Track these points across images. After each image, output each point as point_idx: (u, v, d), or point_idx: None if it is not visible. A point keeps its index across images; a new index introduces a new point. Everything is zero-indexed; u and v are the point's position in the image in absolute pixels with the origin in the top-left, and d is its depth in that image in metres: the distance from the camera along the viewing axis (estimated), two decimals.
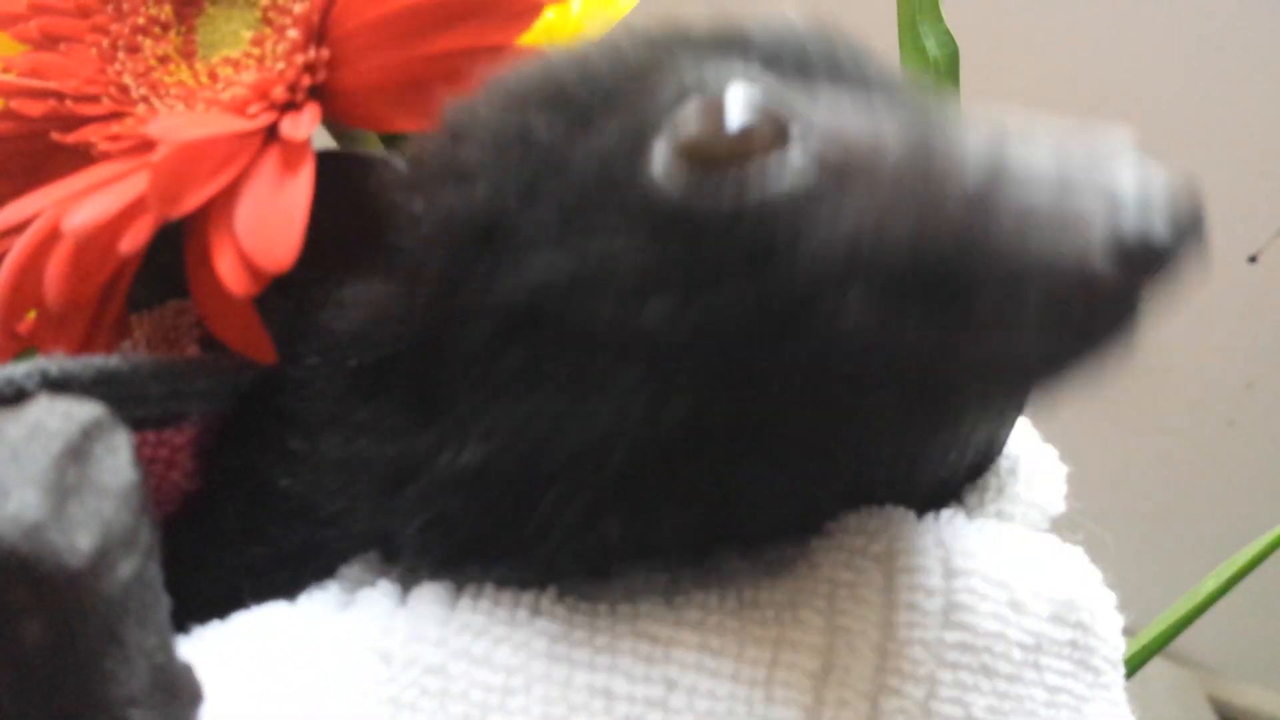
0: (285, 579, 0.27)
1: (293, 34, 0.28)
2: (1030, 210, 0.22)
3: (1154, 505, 0.94)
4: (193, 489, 0.27)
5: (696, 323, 0.22)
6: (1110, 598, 0.29)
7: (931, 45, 0.44)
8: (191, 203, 0.25)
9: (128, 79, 0.30)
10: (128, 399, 0.24)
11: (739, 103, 0.22)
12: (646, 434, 0.23)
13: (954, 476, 0.29)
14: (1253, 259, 0.87)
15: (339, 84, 0.29)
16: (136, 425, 0.25)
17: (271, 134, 0.27)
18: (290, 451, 0.27)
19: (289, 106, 0.28)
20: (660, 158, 0.22)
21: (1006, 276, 0.21)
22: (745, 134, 0.22)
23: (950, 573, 0.26)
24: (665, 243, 0.22)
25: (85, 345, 0.27)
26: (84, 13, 0.31)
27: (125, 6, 0.31)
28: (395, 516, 0.26)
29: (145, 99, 0.30)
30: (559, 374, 0.23)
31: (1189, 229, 0.22)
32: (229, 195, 0.26)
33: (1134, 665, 0.49)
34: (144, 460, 0.26)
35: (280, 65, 0.28)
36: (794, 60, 0.24)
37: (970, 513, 0.29)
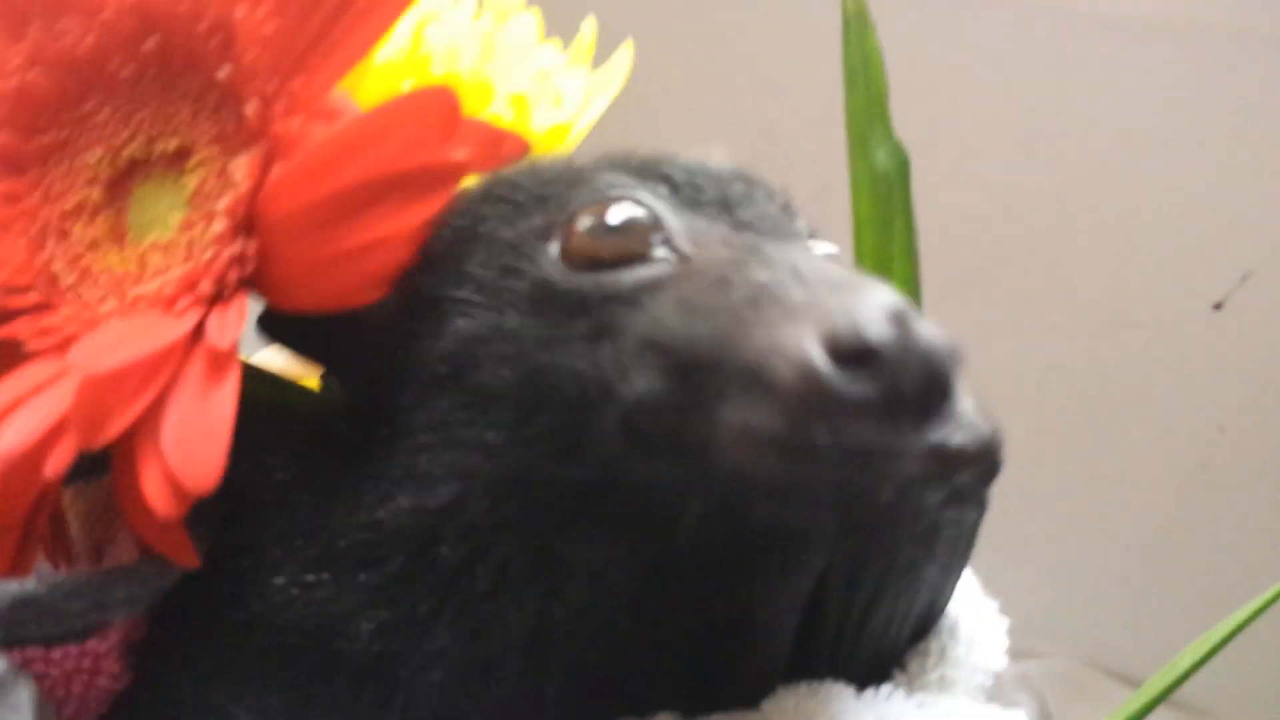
0: None
1: (219, 226, 0.28)
2: (773, 318, 0.23)
3: (1143, 555, 0.94)
4: (119, 689, 0.27)
5: (547, 385, 0.25)
6: None
7: (881, 157, 0.44)
8: (115, 429, 0.24)
9: (57, 266, 0.30)
10: (47, 620, 0.24)
11: (619, 214, 0.27)
12: (528, 489, 0.26)
13: (896, 644, 0.29)
14: (1218, 306, 0.87)
15: (269, 271, 0.28)
16: (59, 639, 0.25)
17: (199, 331, 0.27)
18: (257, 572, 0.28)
19: (217, 299, 0.28)
20: (554, 247, 0.27)
21: (736, 379, 0.23)
22: (616, 237, 0.26)
23: None
24: (537, 316, 0.26)
25: (15, 561, 0.27)
26: (12, 199, 0.30)
27: (54, 190, 0.31)
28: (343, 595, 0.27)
29: (74, 288, 0.30)
30: (467, 426, 0.26)
31: (916, 355, 0.21)
32: (154, 407, 0.25)
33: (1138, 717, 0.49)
34: (66, 674, 0.26)
35: (208, 254, 0.28)
36: (692, 189, 0.28)
37: (912, 680, 0.29)
